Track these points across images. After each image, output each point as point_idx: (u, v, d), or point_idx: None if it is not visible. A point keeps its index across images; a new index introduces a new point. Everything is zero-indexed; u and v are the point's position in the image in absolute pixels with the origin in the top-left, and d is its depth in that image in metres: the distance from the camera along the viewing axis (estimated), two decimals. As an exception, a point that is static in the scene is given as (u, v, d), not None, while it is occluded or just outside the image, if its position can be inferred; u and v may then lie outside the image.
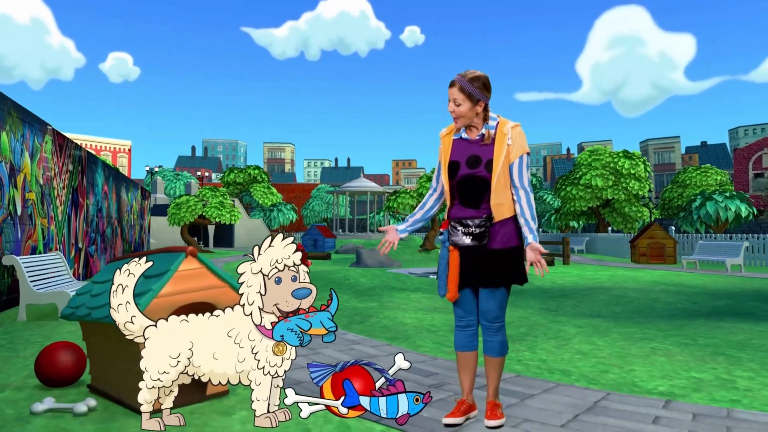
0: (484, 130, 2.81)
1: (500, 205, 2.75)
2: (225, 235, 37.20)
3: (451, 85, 2.79)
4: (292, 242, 2.62)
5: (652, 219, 30.29)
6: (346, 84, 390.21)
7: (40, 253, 8.40)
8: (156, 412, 2.94)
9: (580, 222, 36.10)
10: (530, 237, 2.74)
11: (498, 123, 2.82)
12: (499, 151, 2.75)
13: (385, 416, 2.59)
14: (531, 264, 2.77)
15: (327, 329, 2.54)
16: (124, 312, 2.68)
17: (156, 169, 61.38)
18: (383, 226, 46.50)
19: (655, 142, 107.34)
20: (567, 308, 8.07)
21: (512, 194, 2.79)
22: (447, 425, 2.82)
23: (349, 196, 40.99)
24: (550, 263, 16.83)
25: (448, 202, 2.91)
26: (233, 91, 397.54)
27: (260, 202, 42.86)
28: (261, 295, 2.57)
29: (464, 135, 2.86)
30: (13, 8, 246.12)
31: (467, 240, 2.74)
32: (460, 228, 2.77)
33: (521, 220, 2.78)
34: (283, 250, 2.58)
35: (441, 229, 2.91)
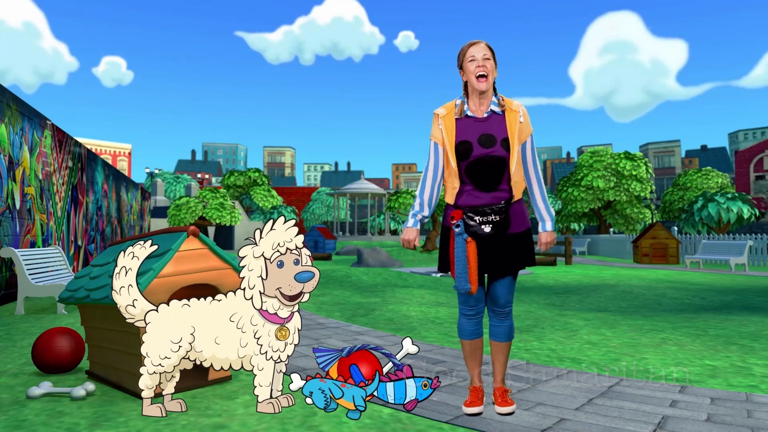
0: (493, 106, 2.65)
1: (517, 183, 2.65)
2: (225, 237, 37.11)
3: (476, 42, 2.65)
4: (294, 225, 2.53)
5: (654, 220, 30.18)
6: (342, 89, 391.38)
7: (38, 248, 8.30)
8: (157, 397, 2.85)
9: (581, 224, 36.02)
10: (549, 223, 2.75)
11: (502, 99, 2.68)
12: (512, 128, 2.62)
13: (392, 402, 2.49)
14: (541, 246, 2.76)
15: (356, 406, 2.42)
16: (126, 295, 2.60)
17: (156, 172, 61.37)
18: (383, 229, 46.37)
19: (655, 146, 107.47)
20: (572, 303, 7.97)
21: (527, 173, 2.71)
22: (470, 415, 2.69)
23: (349, 199, 40.90)
24: (552, 263, 16.73)
25: (455, 186, 2.66)
26: (231, 95, 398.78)
27: (260, 204, 42.78)
28: (262, 279, 2.48)
29: (469, 113, 2.65)
30: (6, 12, 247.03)
31: (486, 229, 2.58)
32: (477, 217, 2.58)
33: (540, 204, 2.74)
34: (284, 233, 2.49)
35: (455, 221, 2.62)
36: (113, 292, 2.60)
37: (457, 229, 2.61)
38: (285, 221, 2.52)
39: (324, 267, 15.09)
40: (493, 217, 2.57)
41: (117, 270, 2.59)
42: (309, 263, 2.55)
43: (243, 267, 2.50)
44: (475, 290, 2.59)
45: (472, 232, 2.59)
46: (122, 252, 2.62)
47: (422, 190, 2.78)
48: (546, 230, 2.75)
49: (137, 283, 2.66)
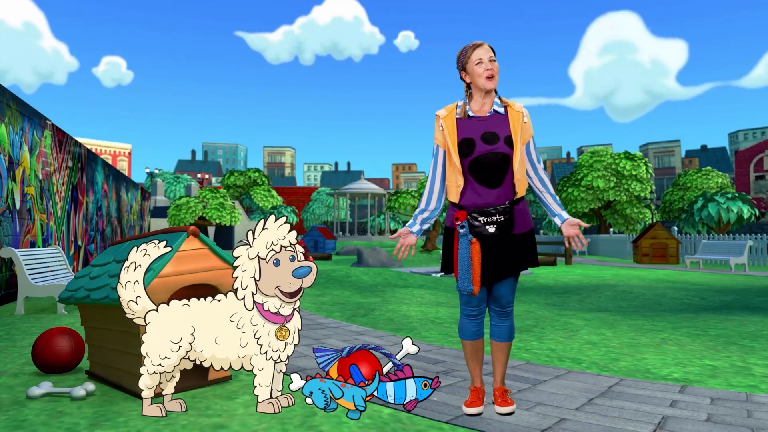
0: (495, 106, 2.67)
1: (520, 181, 2.65)
2: (225, 237, 37.13)
3: (480, 45, 2.64)
4: (285, 222, 2.53)
5: (654, 220, 30.18)
6: (342, 89, 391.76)
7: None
8: (157, 396, 2.85)
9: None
10: (564, 213, 2.72)
11: (502, 99, 2.70)
12: (515, 126, 2.63)
13: (392, 401, 2.48)
14: (569, 239, 2.70)
15: (356, 406, 2.42)
16: (130, 290, 2.59)
17: (156, 172, 61.40)
18: (383, 229, 46.36)
19: (655, 146, 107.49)
20: (572, 303, 7.97)
21: (533, 174, 2.72)
22: (470, 415, 2.69)
23: (349, 199, 40.90)
24: (552, 263, 16.73)
25: (459, 184, 2.66)
26: (231, 95, 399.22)
27: (260, 204, 42.80)
28: (255, 279, 2.47)
29: (471, 113, 2.66)
30: (5, 12, 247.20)
31: (491, 229, 2.57)
32: (481, 218, 2.58)
33: (548, 197, 2.74)
34: (277, 231, 2.49)
35: (459, 222, 2.60)
36: (119, 284, 2.59)
37: (461, 230, 2.59)
38: (275, 219, 2.52)
39: (324, 267, 15.09)
40: (498, 217, 2.57)
41: (127, 264, 2.59)
42: (303, 259, 2.56)
43: (237, 267, 2.49)
44: (478, 291, 2.59)
45: (476, 232, 2.58)
46: (135, 247, 2.62)
47: (427, 200, 2.79)
48: (565, 219, 2.69)
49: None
